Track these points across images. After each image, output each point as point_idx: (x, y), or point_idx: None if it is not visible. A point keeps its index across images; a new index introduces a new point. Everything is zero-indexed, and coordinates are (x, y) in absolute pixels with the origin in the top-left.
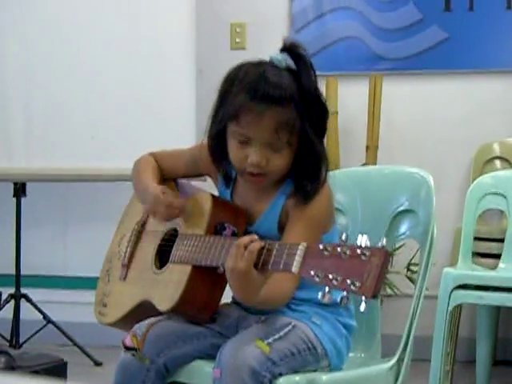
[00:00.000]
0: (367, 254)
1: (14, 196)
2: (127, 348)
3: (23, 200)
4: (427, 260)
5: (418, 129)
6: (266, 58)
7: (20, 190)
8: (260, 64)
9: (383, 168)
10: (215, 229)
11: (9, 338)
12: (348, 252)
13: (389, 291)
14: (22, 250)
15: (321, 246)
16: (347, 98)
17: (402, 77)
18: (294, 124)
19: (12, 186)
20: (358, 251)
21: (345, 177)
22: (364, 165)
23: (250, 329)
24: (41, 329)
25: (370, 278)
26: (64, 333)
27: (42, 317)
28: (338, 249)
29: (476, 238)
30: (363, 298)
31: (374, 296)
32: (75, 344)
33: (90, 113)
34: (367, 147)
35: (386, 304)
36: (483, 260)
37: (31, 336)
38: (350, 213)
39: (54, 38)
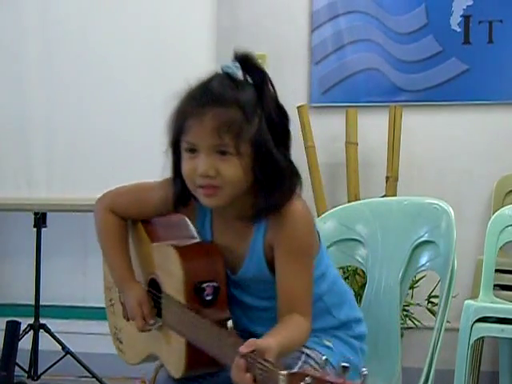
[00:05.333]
0: None
1: (34, 226)
2: None
3: (43, 230)
4: (448, 292)
5: (437, 160)
6: (287, 90)
7: (40, 220)
8: (209, 76)
9: (403, 199)
10: (195, 292)
11: (27, 368)
12: None
13: (409, 323)
14: (42, 280)
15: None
16: (367, 130)
17: (421, 108)
18: (240, 129)
19: (32, 216)
20: None
21: (365, 208)
22: (384, 196)
23: None
24: (59, 360)
25: None
26: (82, 364)
27: (60, 347)
28: None
29: (497, 271)
30: None
31: None
32: (94, 375)
33: (110, 143)
34: (387, 178)
35: (407, 336)
36: (505, 292)
37: (50, 367)
38: (370, 244)
39: (76, 68)
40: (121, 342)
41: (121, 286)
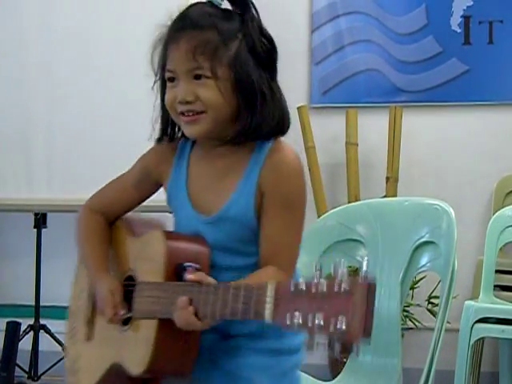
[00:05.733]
0: (347, 289)
1: (34, 227)
2: None
3: (43, 231)
4: (448, 293)
5: (438, 161)
6: (287, 91)
7: (40, 220)
8: (190, 5)
9: (404, 200)
10: (175, 273)
11: (27, 369)
12: (325, 289)
13: (410, 324)
14: (42, 280)
15: (292, 287)
16: (367, 130)
17: (421, 109)
18: (215, 50)
19: (33, 216)
20: (336, 288)
21: (365, 208)
22: (384, 197)
23: None
24: (60, 360)
25: (355, 321)
26: None
27: (61, 348)
28: (313, 288)
29: (498, 271)
30: (353, 343)
31: (365, 339)
32: None
33: (110, 144)
34: (387, 179)
35: (407, 337)
36: (505, 293)
37: (50, 367)
38: (370, 245)
39: (76, 69)
40: (76, 373)
41: (93, 278)
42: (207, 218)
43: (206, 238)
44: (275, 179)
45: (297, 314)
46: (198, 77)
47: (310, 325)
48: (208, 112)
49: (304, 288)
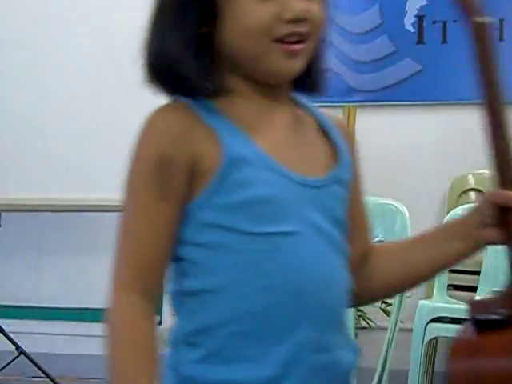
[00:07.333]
0: None
1: None
2: None
3: None
4: None
5: (391, 161)
6: None
7: None
8: None
9: None
10: None
11: None
12: None
13: (363, 323)
14: None
15: None
16: None
17: (375, 109)
18: None
19: None
20: None
21: None
22: None
23: None
24: (13, 360)
25: None
26: (36, 364)
27: (14, 348)
28: None
29: (451, 271)
30: None
31: None
32: (48, 376)
33: (65, 143)
34: None
35: (361, 337)
36: (459, 293)
37: (3, 367)
38: None
39: (73, 70)
40: None
41: None
42: (318, 180)
43: (310, 206)
44: (353, 142)
45: None
46: None
47: None
48: (311, 38)
49: None
